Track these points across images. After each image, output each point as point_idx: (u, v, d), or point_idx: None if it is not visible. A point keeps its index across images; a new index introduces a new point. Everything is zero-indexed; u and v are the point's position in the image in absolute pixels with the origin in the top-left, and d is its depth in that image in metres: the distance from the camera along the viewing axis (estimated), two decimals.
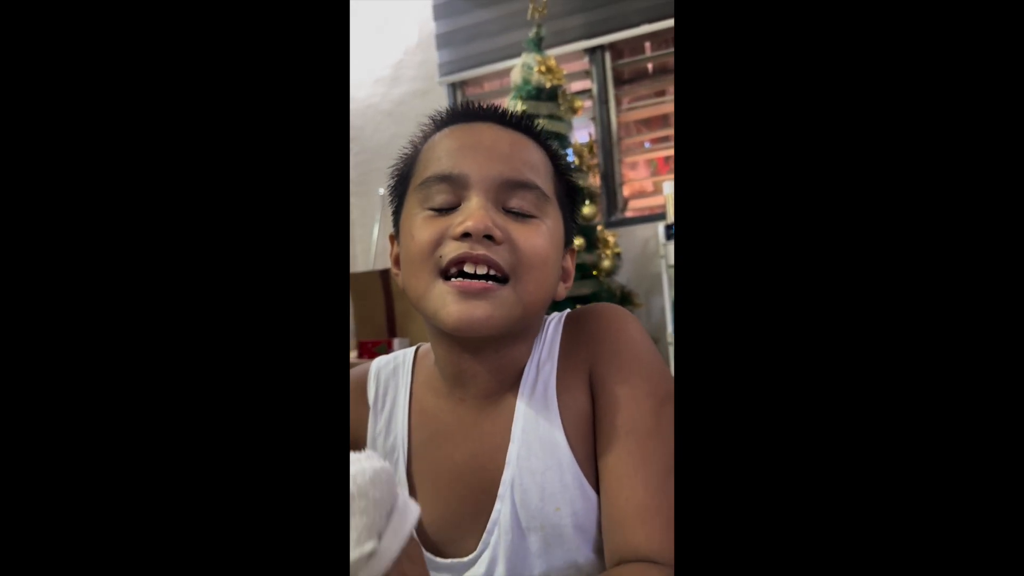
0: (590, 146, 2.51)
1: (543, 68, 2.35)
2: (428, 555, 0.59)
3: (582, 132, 2.91)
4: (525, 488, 0.56)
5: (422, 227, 0.55)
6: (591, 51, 2.89)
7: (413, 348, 0.69)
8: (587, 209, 2.32)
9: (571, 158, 2.36)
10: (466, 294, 0.52)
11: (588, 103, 2.89)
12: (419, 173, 0.59)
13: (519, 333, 0.59)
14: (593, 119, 2.92)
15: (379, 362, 0.69)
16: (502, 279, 0.54)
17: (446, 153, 0.57)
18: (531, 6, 2.45)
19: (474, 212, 0.53)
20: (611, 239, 2.39)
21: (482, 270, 0.53)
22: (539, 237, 0.55)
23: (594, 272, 2.32)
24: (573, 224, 0.64)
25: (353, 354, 2.51)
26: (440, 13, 3.13)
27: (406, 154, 0.63)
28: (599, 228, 2.40)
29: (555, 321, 0.63)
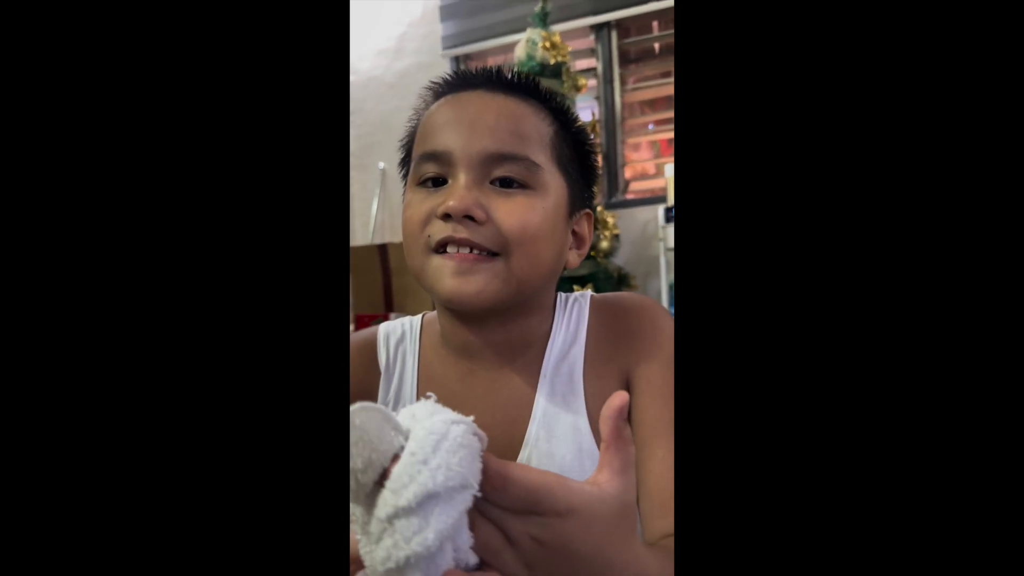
0: (593, 125, 2.49)
1: (548, 44, 2.33)
2: None
3: (585, 111, 2.89)
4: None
5: (413, 204, 0.56)
6: (597, 28, 2.85)
7: (420, 315, 0.68)
8: None
9: None
10: (458, 268, 0.53)
11: (592, 82, 2.87)
12: (416, 149, 0.58)
13: (525, 307, 0.58)
14: (597, 98, 2.89)
15: (386, 327, 0.67)
16: (493, 252, 0.53)
17: (433, 130, 0.57)
18: None
19: (455, 192, 0.53)
20: (610, 220, 2.39)
21: (466, 250, 0.53)
22: (526, 211, 0.54)
23: (592, 253, 2.32)
24: (586, 186, 0.62)
25: (350, 328, 2.52)
26: None
27: (412, 127, 0.63)
28: (599, 209, 2.39)
29: (579, 303, 0.62)
